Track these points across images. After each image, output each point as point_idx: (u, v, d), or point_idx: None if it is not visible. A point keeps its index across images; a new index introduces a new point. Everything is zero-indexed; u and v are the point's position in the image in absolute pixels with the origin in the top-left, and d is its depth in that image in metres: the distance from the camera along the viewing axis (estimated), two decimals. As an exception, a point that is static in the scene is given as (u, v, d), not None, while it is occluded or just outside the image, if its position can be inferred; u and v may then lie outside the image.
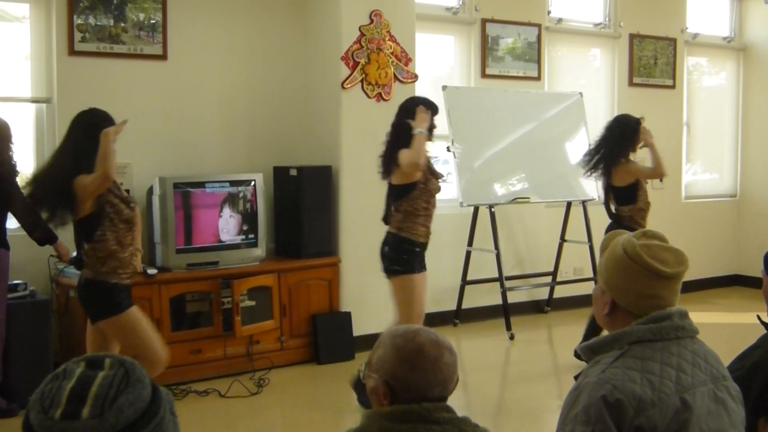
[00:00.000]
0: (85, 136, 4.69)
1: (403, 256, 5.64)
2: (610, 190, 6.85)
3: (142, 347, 4.75)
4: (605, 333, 2.48)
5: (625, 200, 6.76)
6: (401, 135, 5.56)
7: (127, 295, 4.77)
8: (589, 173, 6.93)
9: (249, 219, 6.77)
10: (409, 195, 5.63)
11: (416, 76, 7.55)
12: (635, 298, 2.42)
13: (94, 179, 4.60)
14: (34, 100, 6.53)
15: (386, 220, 5.88)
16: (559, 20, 9.26)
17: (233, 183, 6.73)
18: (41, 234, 5.77)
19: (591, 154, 6.87)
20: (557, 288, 9.08)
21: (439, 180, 5.78)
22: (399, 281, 5.66)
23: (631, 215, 6.74)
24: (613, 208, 6.86)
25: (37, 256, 6.11)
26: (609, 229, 6.60)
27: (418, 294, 5.66)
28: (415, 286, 5.65)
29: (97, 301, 4.71)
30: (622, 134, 6.81)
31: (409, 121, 5.54)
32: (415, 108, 5.58)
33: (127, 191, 6.64)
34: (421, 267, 5.69)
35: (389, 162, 5.66)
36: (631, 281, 2.41)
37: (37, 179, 4.76)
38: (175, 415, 1.54)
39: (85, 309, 4.83)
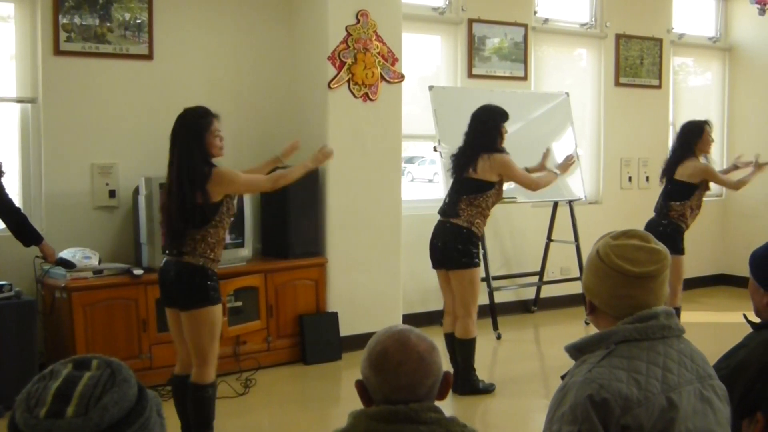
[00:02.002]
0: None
1: (472, 249, 6.12)
2: (669, 182, 7.02)
3: (210, 348, 4.81)
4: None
5: (680, 196, 6.91)
6: (485, 135, 6.10)
7: (218, 290, 4.86)
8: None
9: (235, 219, 6.74)
10: (487, 192, 6.09)
11: (403, 76, 7.55)
12: (607, 299, 2.44)
13: (254, 181, 5.08)
14: (20, 100, 6.50)
15: (448, 212, 6.21)
16: (546, 20, 9.28)
17: (220, 183, 6.70)
18: (27, 234, 5.75)
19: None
20: (544, 288, 9.10)
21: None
22: (468, 274, 6.14)
23: (682, 211, 6.92)
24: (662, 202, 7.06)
25: (23, 256, 6.07)
26: (648, 226, 6.72)
27: (478, 286, 6.29)
28: (477, 279, 6.25)
29: (197, 288, 4.74)
30: (690, 133, 7.07)
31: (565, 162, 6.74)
32: (500, 124, 6.15)
33: (113, 191, 6.69)
34: (479, 262, 6.26)
35: (469, 159, 6.10)
36: (602, 282, 2.44)
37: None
38: (162, 417, 1.54)
39: (179, 295, 4.81)
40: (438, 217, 6.30)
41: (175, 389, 5.08)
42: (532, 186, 6.40)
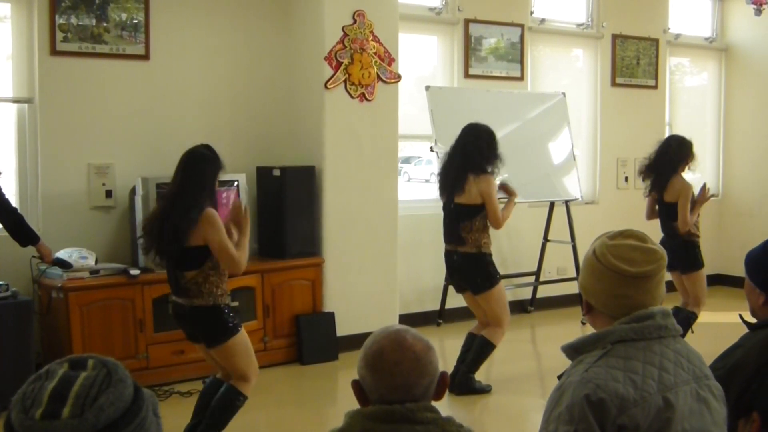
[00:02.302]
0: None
1: (490, 270, 6.22)
2: (661, 204, 6.98)
3: (249, 367, 4.86)
4: None
5: (677, 215, 6.82)
6: (470, 157, 6.10)
7: (236, 316, 4.85)
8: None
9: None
10: (480, 213, 6.11)
11: (399, 77, 7.55)
12: (604, 298, 2.44)
13: (225, 247, 4.65)
14: (16, 101, 6.49)
15: (453, 241, 6.27)
16: (542, 20, 9.28)
17: (216, 183, 6.70)
18: (24, 234, 5.74)
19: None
20: (540, 288, 9.10)
21: None
22: (494, 293, 6.24)
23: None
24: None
25: (19, 256, 6.07)
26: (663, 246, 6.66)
27: (505, 297, 6.38)
28: (503, 292, 6.35)
29: (215, 327, 4.74)
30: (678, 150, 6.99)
31: (508, 185, 6.45)
32: (489, 139, 6.19)
33: (110, 191, 6.68)
34: (500, 275, 6.33)
35: (456, 183, 6.14)
36: (598, 282, 2.44)
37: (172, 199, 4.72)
38: (158, 416, 1.54)
39: (202, 337, 4.82)
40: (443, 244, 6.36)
41: (209, 386, 5.05)
42: (498, 223, 6.20)
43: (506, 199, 6.41)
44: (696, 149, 7.09)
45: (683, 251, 6.78)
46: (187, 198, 4.62)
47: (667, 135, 10.31)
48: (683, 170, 6.94)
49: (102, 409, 1.39)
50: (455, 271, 6.34)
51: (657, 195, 6.95)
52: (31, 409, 1.39)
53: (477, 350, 6.27)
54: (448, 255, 6.33)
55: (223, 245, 4.60)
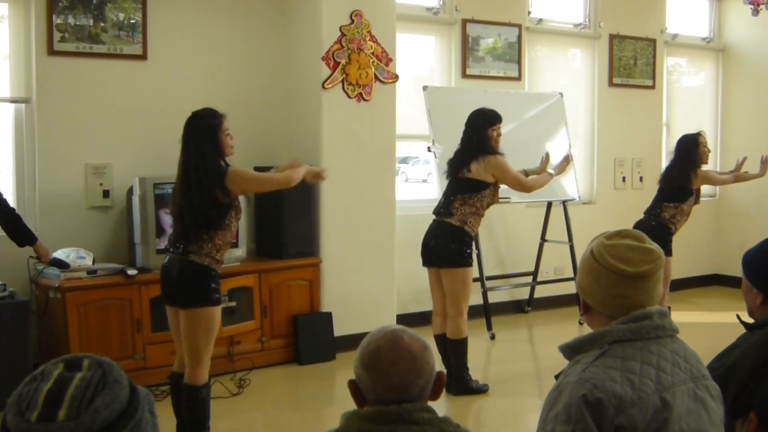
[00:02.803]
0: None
1: (465, 248, 6.14)
2: (666, 185, 7.26)
3: (205, 349, 4.84)
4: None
5: (675, 198, 7.16)
6: (475, 138, 6.17)
7: (219, 290, 4.89)
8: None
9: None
10: (482, 192, 6.12)
11: (397, 77, 7.55)
12: (602, 298, 2.44)
13: (267, 178, 5.16)
14: (13, 100, 6.48)
15: (442, 212, 6.24)
16: (540, 21, 9.29)
17: (214, 183, 6.69)
18: (21, 234, 5.74)
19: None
20: (538, 288, 9.11)
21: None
22: (460, 273, 6.17)
23: (674, 213, 7.17)
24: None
25: (17, 256, 6.07)
26: (636, 226, 6.80)
27: (470, 286, 6.26)
28: (469, 279, 6.24)
29: (199, 287, 4.77)
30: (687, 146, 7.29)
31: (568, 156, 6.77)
32: (487, 126, 6.19)
33: (107, 191, 6.68)
34: (471, 262, 6.25)
35: (462, 162, 6.17)
36: (596, 281, 2.44)
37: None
38: (154, 415, 1.54)
39: (180, 293, 4.83)
40: (432, 217, 6.31)
41: (172, 386, 5.10)
42: (525, 188, 6.44)
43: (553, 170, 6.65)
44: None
45: (655, 234, 6.84)
46: (200, 175, 4.72)
47: (664, 135, 10.37)
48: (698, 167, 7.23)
49: (98, 412, 1.39)
50: (431, 238, 6.25)
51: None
52: (27, 412, 1.39)
53: (454, 352, 6.25)
54: (432, 224, 6.31)
55: (261, 180, 5.17)
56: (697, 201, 7.31)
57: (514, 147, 8.36)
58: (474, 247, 6.30)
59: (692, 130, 10.36)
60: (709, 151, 7.32)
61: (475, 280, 7.99)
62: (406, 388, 2.09)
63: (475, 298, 8.11)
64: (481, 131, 6.17)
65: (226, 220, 4.78)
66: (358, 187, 7.36)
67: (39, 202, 6.47)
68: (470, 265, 6.21)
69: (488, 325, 7.97)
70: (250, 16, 7.43)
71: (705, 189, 10.86)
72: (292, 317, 7.03)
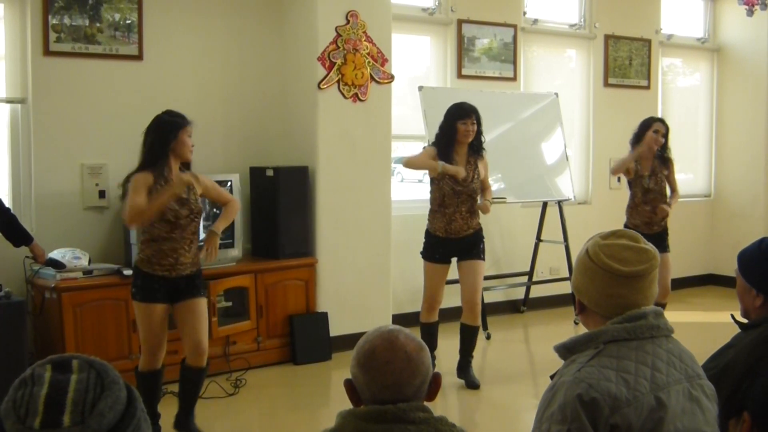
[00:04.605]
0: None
1: (424, 243, 6.53)
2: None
3: (144, 340, 5.16)
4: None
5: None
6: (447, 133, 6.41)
7: (147, 287, 5.02)
8: None
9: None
10: (431, 186, 6.47)
11: (392, 77, 7.56)
12: (597, 298, 2.45)
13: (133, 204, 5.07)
14: (9, 101, 6.47)
15: None
16: (535, 21, 9.30)
17: (209, 183, 6.69)
18: (17, 234, 5.73)
19: None
20: (533, 288, 9.11)
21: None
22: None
23: (628, 205, 7.48)
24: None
25: (13, 257, 6.06)
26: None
27: (429, 279, 6.57)
28: (429, 273, 6.55)
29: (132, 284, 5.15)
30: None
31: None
32: (459, 118, 6.40)
33: (103, 192, 6.67)
34: (441, 258, 6.49)
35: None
36: (591, 281, 2.45)
37: None
38: (144, 410, 1.53)
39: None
40: None
41: (155, 382, 5.34)
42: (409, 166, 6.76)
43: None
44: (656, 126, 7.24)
45: None
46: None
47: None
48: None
49: (102, 415, 1.38)
50: None
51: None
52: (28, 419, 1.37)
53: (474, 339, 6.65)
54: None
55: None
56: (640, 184, 7.34)
57: (509, 147, 8.40)
58: (437, 242, 6.44)
59: (687, 131, 10.39)
60: (663, 140, 7.13)
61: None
62: (401, 387, 2.10)
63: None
64: (450, 125, 6.39)
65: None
66: (354, 187, 7.36)
67: (35, 203, 6.47)
68: (426, 261, 6.51)
69: (484, 325, 7.95)
70: (246, 17, 7.43)
71: (700, 189, 10.95)
72: (287, 317, 7.03)
